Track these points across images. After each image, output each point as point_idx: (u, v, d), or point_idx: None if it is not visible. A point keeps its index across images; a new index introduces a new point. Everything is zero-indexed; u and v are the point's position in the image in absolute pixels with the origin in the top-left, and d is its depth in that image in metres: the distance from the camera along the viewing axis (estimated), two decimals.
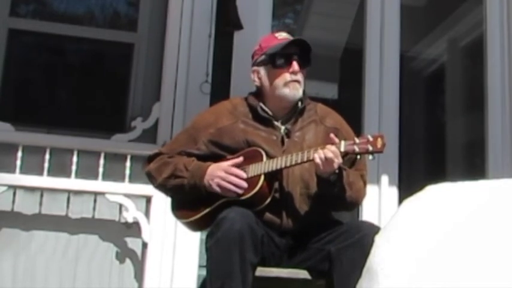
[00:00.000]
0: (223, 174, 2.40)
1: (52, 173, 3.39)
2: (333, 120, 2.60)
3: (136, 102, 3.88)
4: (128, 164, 3.45)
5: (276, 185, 2.43)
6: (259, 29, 3.59)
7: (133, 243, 3.49)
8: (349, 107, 3.89)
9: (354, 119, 3.25)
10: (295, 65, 2.50)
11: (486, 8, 3.99)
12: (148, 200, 3.41)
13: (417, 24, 5.05)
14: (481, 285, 1.62)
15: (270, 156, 2.41)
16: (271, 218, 2.42)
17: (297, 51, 2.52)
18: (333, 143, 2.31)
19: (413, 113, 5.30)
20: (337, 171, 2.33)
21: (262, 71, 2.56)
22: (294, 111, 2.54)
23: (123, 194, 3.41)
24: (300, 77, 2.52)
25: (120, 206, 3.44)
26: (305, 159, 2.34)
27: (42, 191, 3.43)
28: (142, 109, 3.75)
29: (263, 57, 2.55)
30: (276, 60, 2.51)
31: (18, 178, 3.36)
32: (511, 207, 1.75)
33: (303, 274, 2.42)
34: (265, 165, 2.38)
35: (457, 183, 1.88)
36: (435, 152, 5.34)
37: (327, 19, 5.27)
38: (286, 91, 2.50)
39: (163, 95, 3.56)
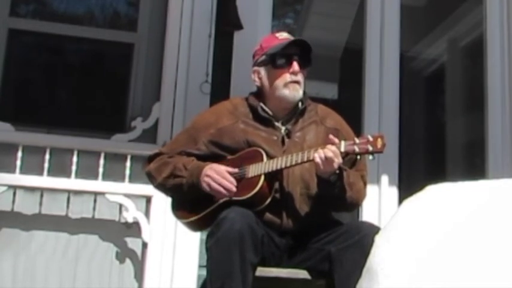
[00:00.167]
0: (214, 175, 2.40)
1: (52, 173, 3.39)
2: (334, 121, 2.60)
3: (137, 102, 3.88)
4: (128, 164, 3.45)
5: (276, 185, 2.43)
6: (259, 29, 3.59)
7: (133, 243, 3.50)
8: (349, 107, 3.90)
9: (354, 119, 3.25)
10: (295, 66, 2.50)
11: (486, 8, 3.99)
12: (148, 200, 3.41)
13: (417, 24, 5.05)
14: (481, 285, 1.62)
15: (270, 157, 2.41)
16: (271, 218, 2.42)
17: (298, 52, 2.52)
18: (333, 143, 2.31)
19: (413, 113, 5.30)
20: (337, 171, 2.33)
21: (262, 71, 2.56)
22: (294, 112, 2.54)
23: (123, 194, 3.42)
24: (300, 77, 2.52)
25: (120, 206, 3.44)
26: (305, 159, 2.34)
27: (42, 191, 3.43)
28: (142, 109, 3.75)
29: (263, 57, 2.55)
30: (276, 60, 2.51)
31: (18, 178, 3.36)
32: (511, 207, 1.75)
33: (302, 274, 2.42)
34: (266, 166, 2.38)
35: (457, 183, 1.88)
36: (435, 152, 5.34)
37: (327, 19, 5.27)
38: (286, 92, 2.50)
39: (163, 95, 3.56)
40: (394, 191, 3.67)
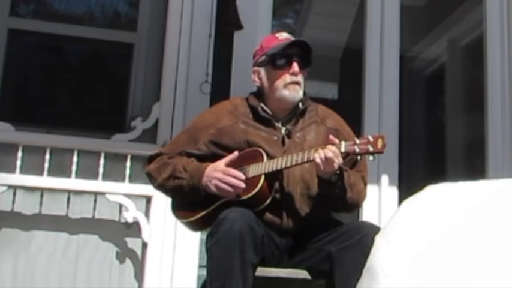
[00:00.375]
0: (220, 175, 2.39)
1: (52, 173, 3.39)
2: (334, 121, 2.59)
3: (137, 102, 3.88)
4: (128, 164, 3.45)
5: (277, 185, 2.43)
6: (259, 29, 3.59)
7: (133, 243, 3.50)
8: (349, 107, 3.89)
9: (354, 119, 3.25)
10: (295, 66, 2.49)
11: (486, 8, 3.99)
12: (148, 200, 3.41)
13: (417, 24, 5.05)
14: (482, 285, 1.62)
15: (270, 157, 2.41)
16: (271, 218, 2.42)
17: (298, 52, 2.52)
18: (333, 144, 2.31)
19: (413, 113, 5.30)
20: (337, 172, 2.33)
21: (262, 71, 2.55)
22: (294, 112, 2.54)
23: (123, 194, 3.41)
24: (300, 78, 2.51)
25: (120, 206, 3.44)
26: (305, 160, 2.34)
27: (42, 191, 3.43)
28: (142, 109, 3.75)
29: (263, 57, 2.55)
30: (276, 61, 2.51)
31: (18, 178, 3.36)
32: (510, 207, 1.75)
33: (302, 274, 2.42)
34: (266, 166, 2.38)
35: (457, 183, 1.88)
36: (435, 152, 5.34)
37: (327, 19, 5.27)
38: (286, 93, 2.50)
39: (163, 95, 3.56)
40: (394, 191, 3.67)
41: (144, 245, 3.43)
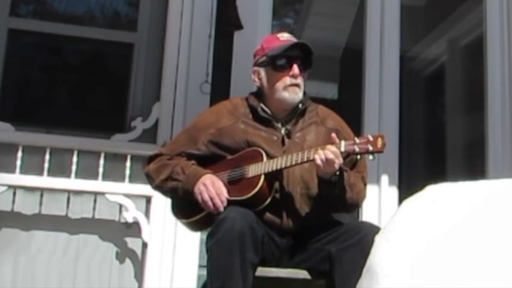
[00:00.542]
0: (210, 187, 2.38)
1: (52, 173, 3.39)
2: (334, 122, 2.59)
3: (137, 102, 3.88)
4: (128, 164, 3.45)
5: (276, 185, 2.43)
6: (259, 29, 3.59)
7: (133, 243, 3.49)
8: (349, 107, 3.90)
9: (354, 119, 3.26)
10: (295, 69, 2.49)
11: (486, 8, 3.99)
12: (148, 200, 3.41)
13: (417, 24, 5.05)
14: (482, 285, 1.62)
15: (270, 157, 2.41)
16: (271, 218, 2.42)
17: (298, 54, 2.51)
18: (333, 143, 2.31)
19: (413, 113, 5.30)
20: (337, 172, 2.33)
21: (262, 72, 2.55)
22: (294, 112, 2.54)
23: (123, 194, 3.41)
24: (300, 80, 2.51)
25: (120, 206, 3.44)
26: (305, 159, 2.34)
27: (42, 191, 3.42)
28: (142, 109, 3.75)
29: (264, 58, 2.54)
30: (276, 62, 2.50)
31: (18, 178, 3.36)
32: (510, 207, 1.75)
33: (303, 274, 2.42)
34: (266, 166, 2.38)
35: (457, 183, 1.88)
36: (435, 152, 5.34)
37: (327, 19, 5.27)
38: (286, 95, 2.49)
39: (163, 95, 3.56)
40: (394, 191, 3.67)
41: (144, 245, 3.43)
